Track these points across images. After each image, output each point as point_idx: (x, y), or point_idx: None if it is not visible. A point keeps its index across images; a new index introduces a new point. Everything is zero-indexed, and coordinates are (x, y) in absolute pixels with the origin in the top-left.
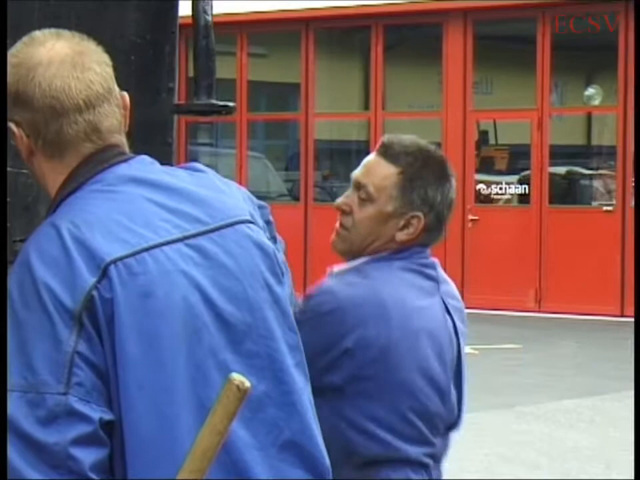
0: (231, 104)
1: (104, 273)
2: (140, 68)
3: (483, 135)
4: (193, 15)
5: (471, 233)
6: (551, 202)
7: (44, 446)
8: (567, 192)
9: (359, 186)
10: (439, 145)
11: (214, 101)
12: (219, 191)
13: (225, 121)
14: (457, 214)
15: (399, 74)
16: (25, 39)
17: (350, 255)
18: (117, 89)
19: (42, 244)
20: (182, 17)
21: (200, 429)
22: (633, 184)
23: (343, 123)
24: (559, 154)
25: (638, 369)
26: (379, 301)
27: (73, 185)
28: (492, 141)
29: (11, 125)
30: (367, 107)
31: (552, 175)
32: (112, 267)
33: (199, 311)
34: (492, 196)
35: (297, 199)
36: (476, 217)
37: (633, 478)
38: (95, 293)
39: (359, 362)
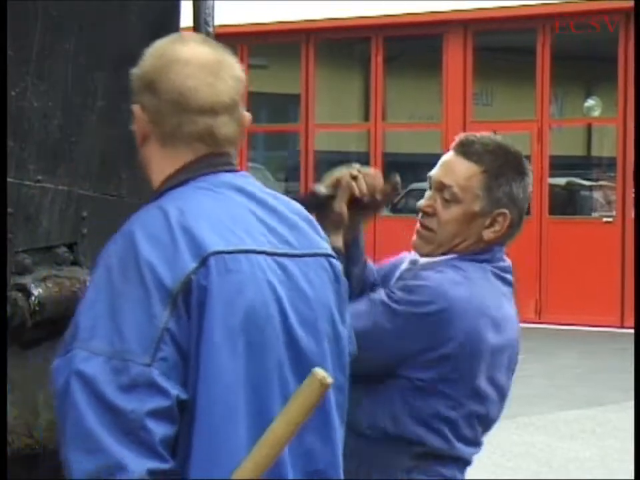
0: None
1: (204, 262)
2: None
3: None
4: (194, 26)
5: None
6: (551, 213)
7: (121, 412)
8: (567, 203)
9: (441, 187)
10: (439, 156)
11: None
12: (308, 222)
13: None
14: None
15: (399, 85)
16: (172, 36)
17: (435, 255)
18: (242, 106)
19: (148, 223)
20: (183, 29)
21: (252, 435)
22: (634, 194)
23: (343, 134)
24: (559, 165)
25: (638, 379)
26: (482, 309)
27: (182, 178)
28: None
29: (136, 108)
30: (367, 118)
31: (552, 185)
32: (212, 258)
33: (276, 323)
34: None
35: None
36: None
37: (633, 478)
38: (193, 277)
39: (451, 367)
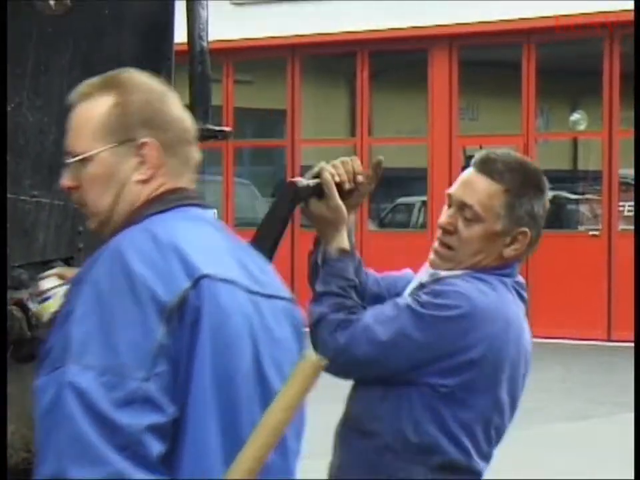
0: (227, 129)
1: (196, 282)
2: None
3: (470, 160)
4: (188, 41)
5: None
6: None
7: (117, 426)
8: (553, 217)
9: (463, 205)
10: (425, 171)
11: (210, 126)
12: (269, 266)
13: (212, 148)
14: None
15: (385, 100)
16: (122, 70)
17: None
18: None
19: (137, 243)
20: (177, 44)
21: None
22: (633, 209)
23: (329, 149)
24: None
25: (638, 389)
26: (506, 318)
27: (161, 207)
28: None
29: (153, 142)
30: (353, 133)
31: None
32: (204, 280)
33: (250, 359)
34: None
35: (284, 227)
36: None
37: (633, 478)
38: (188, 295)
39: (475, 373)
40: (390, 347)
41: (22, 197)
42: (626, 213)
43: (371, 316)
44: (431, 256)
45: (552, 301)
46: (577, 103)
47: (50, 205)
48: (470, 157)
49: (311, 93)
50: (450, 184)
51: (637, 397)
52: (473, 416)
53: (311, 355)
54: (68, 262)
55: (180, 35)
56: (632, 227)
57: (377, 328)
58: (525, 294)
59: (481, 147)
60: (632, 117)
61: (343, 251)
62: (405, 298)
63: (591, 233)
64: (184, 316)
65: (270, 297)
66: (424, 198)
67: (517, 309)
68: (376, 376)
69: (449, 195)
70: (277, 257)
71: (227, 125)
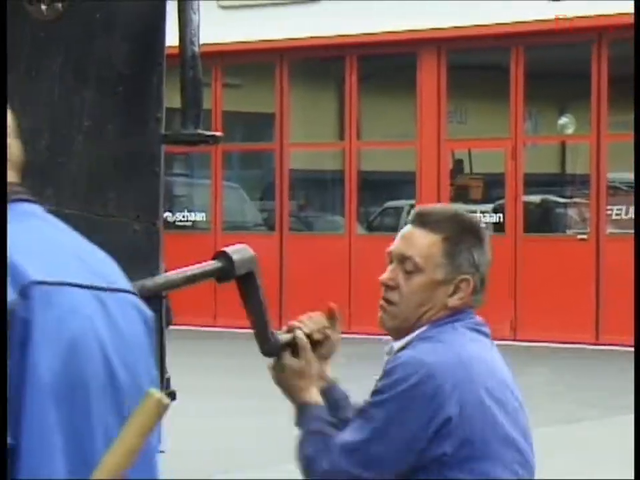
0: (218, 134)
1: (24, 292)
2: (128, 98)
3: (458, 164)
4: (180, 45)
5: None
6: (525, 230)
7: None
8: (541, 220)
9: (402, 259)
10: (413, 174)
11: (201, 131)
12: (106, 256)
13: (200, 152)
14: None
15: (374, 104)
16: None
17: (401, 331)
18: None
19: None
20: (169, 47)
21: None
22: (633, 212)
23: (318, 152)
24: (534, 182)
25: (638, 385)
26: (463, 362)
27: None
28: (467, 170)
29: None
30: (341, 137)
31: (526, 203)
32: (33, 288)
33: (98, 361)
34: None
35: (272, 228)
36: None
37: (633, 478)
38: (13, 310)
39: (463, 426)
40: (371, 444)
41: None
42: (614, 217)
43: (343, 432)
44: (379, 314)
45: (540, 304)
46: (565, 107)
47: None
48: (458, 161)
49: (299, 96)
50: (438, 187)
51: (637, 399)
52: (491, 464)
53: (154, 393)
54: None
55: (171, 39)
56: (620, 231)
57: (350, 437)
58: (486, 329)
59: (469, 151)
60: (620, 121)
61: (317, 403)
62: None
63: (579, 236)
64: (12, 333)
65: (116, 290)
66: (412, 201)
67: (474, 348)
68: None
69: (389, 253)
70: (265, 262)
71: (216, 129)
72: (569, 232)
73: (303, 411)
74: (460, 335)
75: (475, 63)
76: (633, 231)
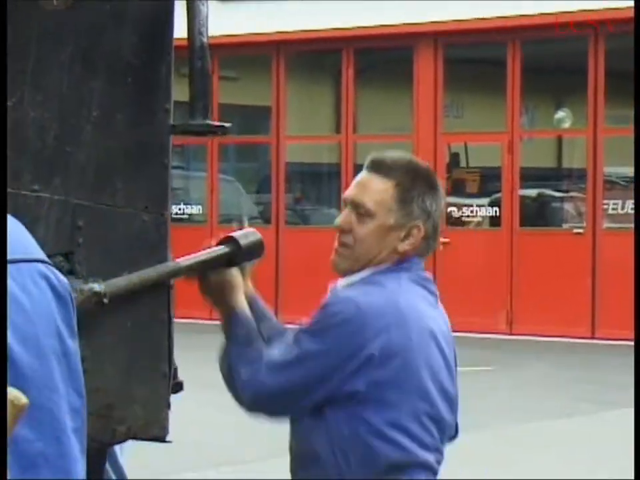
0: (226, 124)
1: None
2: (136, 89)
3: (454, 157)
4: (188, 36)
5: (442, 256)
6: (521, 224)
7: None
8: (537, 214)
9: (355, 204)
10: None
11: (210, 122)
12: (14, 223)
13: (196, 144)
14: None
15: (370, 97)
16: None
17: (353, 272)
18: None
19: None
20: (177, 39)
21: None
22: (633, 207)
23: (314, 146)
24: (530, 176)
25: (638, 381)
26: (397, 307)
27: None
28: (463, 164)
29: None
30: (338, 130)
31: (523, 197)
32: None
33: None
34: (463, 218)
35: (268, 221)
36: (447, 240)
37: (633, 478)
38: None
39: (382, 368)
40: (293, 367)
41: (22, 192)
42: (610, 211)
43: (272, 349)
44: (332, 256)
45: (536, 298)
46: (562, 101)
47: (50, 199)
48: (455, 155)
49: (296, 89)
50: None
51: (637, 396)
52: (398, 411)
53: (10, 392)
54: (67, 257)
55: (179, 30)
56: (616, 225)
57: (277, 355)
58: (432, 287)
59: (465, 144)
60: (617, 115)
61: (243, 309)
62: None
63: (575, 230)
64: None
65: (14, 261)
66: None
67: (413, 298)
68: (293, 404)
69: (344, 199)
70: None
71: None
72: (565, 226)
73: (229, 317)
74: (403, 284)
75: (472, 57)
76: (629, 226)
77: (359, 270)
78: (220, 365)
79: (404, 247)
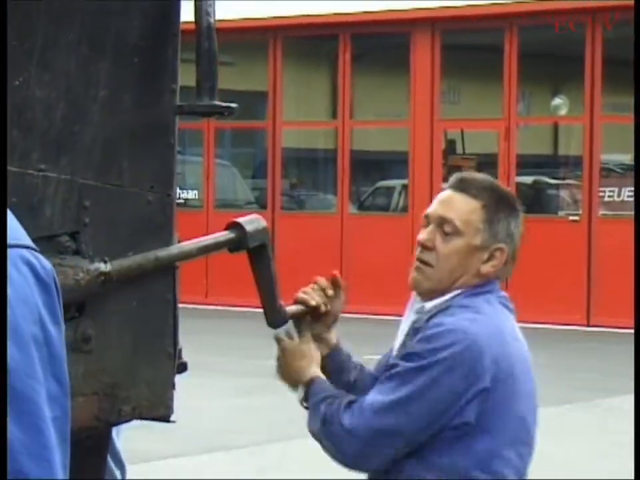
0: (233, 105)
1: None
2: (143, 70)
3: (451, 144)
4: (195, 16)
5: None
6: None
7: None
8: (533, 201)
9: (441, 221)
10: (406, 154)
11: (216, 102)
12: None
13: (193, 129)
14: None
15: (367, 83)
16: None
17: (434, 293)
18: None
19: None
20: (184, 22)
21: None
22: (633, 195)
23: (310, 131)
24: (526, 163)
25: (638, 375)
26: (503, 337)
27: None
28: (459, 150)
29: None
30: (334, 116)
31: (519, 184)
32: None
33: None
34: None
35: (264, 207)
36: None
37: (633, 478)
38: None
39: (492, 399)
40: (402, 408)
41: (29, 171)
42: (606, 199)
43: (372, 393)
44: (411, 275)
45: (531, 285)
46: (559, 88)
47: (57, 179)
48: (451, 141)
49: (292, 74)
50: (431, 167)
51: (637, 386)
52: (499, 441)
53: None
54: (74, 236)
55: (187, 11)
56: (612, 213)
57: (383, 397)
58: (510, 305)
59: (462, 131)
60: (614, 103)
61: (319, 377)
62: (390, 370)
63: (570, 218)
64: None
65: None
66: (405, 181)
67: (508, 322)
68: (397, 447)
69: (427, 215)
70: None
71: None
72: (561, 213)
73: (308, 388)
74: (497, 308)
75: (469, 43)
76: (625, 213)
77: (440, 290)
78: (309, 425)
79: (487, 268)
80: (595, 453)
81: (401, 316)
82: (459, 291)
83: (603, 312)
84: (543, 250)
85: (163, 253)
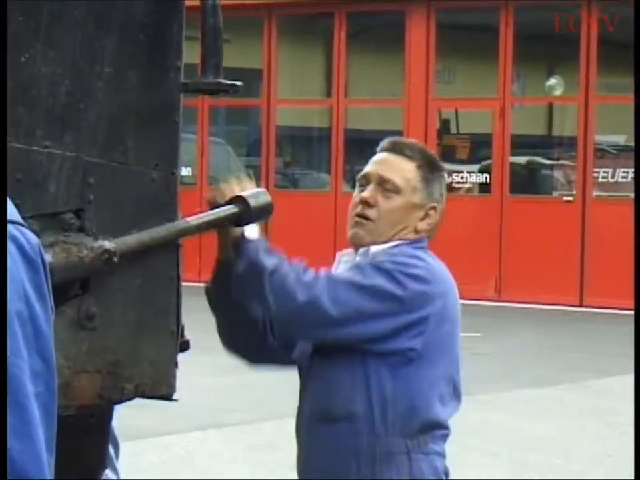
0: (238, 83)
1: None
2: (148, 47)
3: (445, 123)
4: None
5: None
6: (511, 191)
7: None
8: (527, 182)
9: (381, 180)
10: (400, 133)
11: (221, 80)
12: None
13: (186, 106)
14: None
15: (362, 61)
16: None
17: (374, 245)
18: None
19: None
20: None
21: None
22: (633, 177)
23: (305, 109)
24: (520, 144)
25: (638, 368)
26: (449, 276)
27: None
28: (453, 130)
29: None
30: (329, 94)
31: (513, 164)
32: None
33: None
34: (453, 185)
35: (258, 185)
36: None
37: (633, 478)
38: None
39: (437, 330)
40: (367, 293)
41: (34, 148)
42: (600, 180)
43: (334, 275)
44: (351, 230)
45: (524, 266)
46: (554, 68)
47: (61, 156)
48: (445, 121)
49: (287, 52)
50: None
51: (637, 373)
52: (439, 375)
53: None
54: (78, 214)
55: None
56: (606, 194)
57: (352, 277)
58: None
59: (456, 110)
60: (609, 83)
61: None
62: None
63: (565, 198)
64: None
65: None
66: None
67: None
68: (339, 340)
69: (365, 175)
70: None
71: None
72: (555, 194)
73: (245, 244)
74: (435, 259)
75: (465, 23)
76: (619, 194)
77: (379, 244)
78: (263, 287)
79: (423, 226)
80: (585, 433)
81: None
82: (399, 242)
83: (596, 293)
84: (537, 230)
85: (166, 230)
